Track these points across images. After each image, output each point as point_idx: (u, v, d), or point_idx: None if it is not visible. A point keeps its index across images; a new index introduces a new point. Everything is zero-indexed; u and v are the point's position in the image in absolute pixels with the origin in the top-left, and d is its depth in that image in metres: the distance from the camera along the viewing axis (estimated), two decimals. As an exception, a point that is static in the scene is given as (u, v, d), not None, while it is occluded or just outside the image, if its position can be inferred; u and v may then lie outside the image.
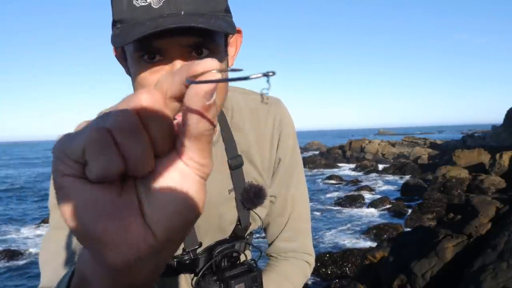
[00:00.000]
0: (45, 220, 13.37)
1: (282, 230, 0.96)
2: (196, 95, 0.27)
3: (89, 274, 0.30)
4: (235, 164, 0.83)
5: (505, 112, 19.81)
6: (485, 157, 15.44)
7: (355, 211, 13.70)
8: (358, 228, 11.30)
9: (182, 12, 0.61)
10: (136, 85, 0.67)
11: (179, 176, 0.29)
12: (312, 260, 0.99)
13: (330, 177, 21.41)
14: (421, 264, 5.46)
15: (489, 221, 5.99)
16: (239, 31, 0.75)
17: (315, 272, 7.67)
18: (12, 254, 10.04)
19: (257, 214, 0.88)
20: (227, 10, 0.68)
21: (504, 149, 14.67)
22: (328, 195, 16.72)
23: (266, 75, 0.28)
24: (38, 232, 12.45)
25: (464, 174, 13.71)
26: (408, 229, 8.88)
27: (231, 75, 0.30)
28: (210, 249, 0.83)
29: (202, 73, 0.27)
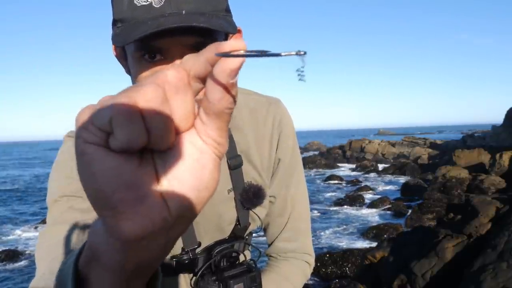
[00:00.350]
0: (44, 221, 13.35)
1: (282, 230, 0.96)
2: (222, 72, 0.28)
3: (99, 248, 0.30)
4: (234, 164, 0.83)
5: (505, 112, 19.81)
6: (485, 157, 15.44)
7: (355, 211, 13.70)
8: (358, 228, 11.30)
9: (183, 12, 0.61)
10: (136, 82, 0.67)
11: (197, 152, 0.29)
12: (312, 260, 0.99)
13: (330, 177, 21.41)
14: (421, 264, 5.46)
15: (489, 221, 6.00)
16: (239, 31, 0.75)
17: (315, 272, 7.67)
18: (12, 255, 10.04)
19: (256, 214, 0.88)
20: (228, 10, 0.68)
21: (504, 149, 14.67)
22: (328, 195, 16.72)
23: (298, 53, 0.28)
24: (37, 233, 12.43)
25: (464, 174, 13.71)
26: (408, 229, 8.88)
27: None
28: (209, 249, 0.83)
29: (230, 52, 0.28)
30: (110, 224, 0.28)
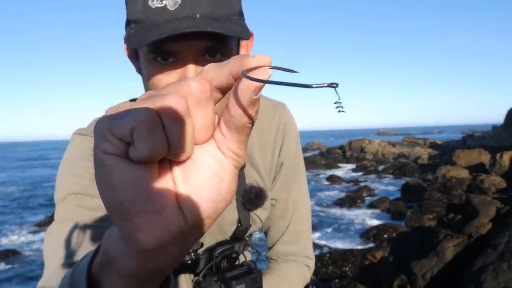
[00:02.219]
0: (45, 222, 13.38)
1: (283, 234, 0.96)
2: (247, 89, 0.28)
3: (114, 254, 0.30)
4: None
5: (505, 112, 19.81)
6: (485, 157, 15.43)
7: (355, 211, 13.70)
8: (358, 228, 11.30)
9: (198, 15, 0.61)
10: (149, 85, 0.67)
11: (216, 164, 0.30)
12: (312, 263, 0.99)
13: (330, 177, 21.40)
14: (421, 264, 5.46)
15: (490, 221, 5.99)
16: (251, 34, 0.75)
17: (315, 272, 7.67)
18: (12, 255, 10.04)
19: (258, 216, 0.88)
20: (241, 14, 0.68)
21: (505, 149, 14.66)
22: (328, 195, 16.71)
23: (331, 86, 0.27)
24: (35, 233, 12.45)
25: (464, 174, 13.71)
26: (408, 229, 8.88)
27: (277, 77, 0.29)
28: (210, 250, 0.83)
29: (255, 68, 0.28)
30: (127, 234, 0.28)
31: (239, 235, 0.87)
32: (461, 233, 5.82)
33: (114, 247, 0.30)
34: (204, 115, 0.29)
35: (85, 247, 0.67)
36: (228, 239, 0.86)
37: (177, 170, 0.30)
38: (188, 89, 0.28)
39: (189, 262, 0.81)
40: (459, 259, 5.33)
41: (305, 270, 0.97)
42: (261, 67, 0.28)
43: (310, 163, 25.74)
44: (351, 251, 7.99)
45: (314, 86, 0.27)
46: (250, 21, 0.72)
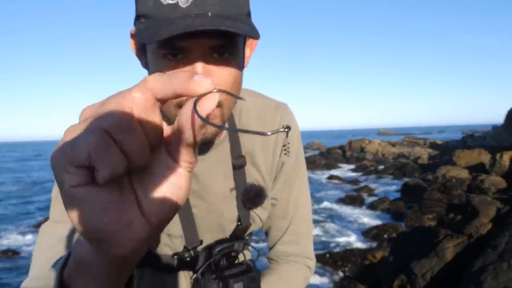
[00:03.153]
0: (41, 223, 13.35)
1: (284, 234, 0.96)
2: (198, 121, 0.30)
3: (88, 258, 0.33)
4: (238, 164, 0.84)
5: (505, 112, 19.80)
6: (486, 157, 15.42)
7: (355, 211, 13.69)
8: (358, 228, 11.29)
9: (209, 14, 0.61)
10: None
11: (170, 172, 0.32)
12: (313, 264, 0.99)
13: (330, 177, 21.40)
14: (421, 264, 5.46)
15: (490, 221, 5.99)
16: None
17: (315, 272, 7.65)
18: (12, 255, 10.03)
19: (258, 215, 0.88)
20: (249, 14, 0.68)
21: (505, 149, 14.65)
22: (328, 195, 16.71)
23: (284, 130, 0.32)
24: (33, 234, 12.45)
25: (464, 174, 13.71)
26: (408, 229, 8.87)
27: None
28: (210, 248, 0.84)
29: (203, 95, 0.29)
30: (102, 249, 0.30)
31: (239, 234, 0.87)
32: (461, 233, 5.82)
33: (87, 255, 0.32)
34: (151, 122, 0.29)
35: (63, 257, 0.67)
36: (228, 237, 0.87)
37: (135, 181, 0.31)
38: (132, 99, 0.28)
39: (188, 259, 0.81)
40: (459, 259, 5.32)
41: (306, 270, 0.97)
42: (209, 93, 0.30)
43: (310, 163, 25.73)
44: (351, 251, 7.98)
45: (269, 134, 0.30)
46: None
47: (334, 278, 7.27)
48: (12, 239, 11.92)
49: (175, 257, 0.81)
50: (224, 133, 0.84)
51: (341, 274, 7.44)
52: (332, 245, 9.80)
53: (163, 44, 0.63)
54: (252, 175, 0.87)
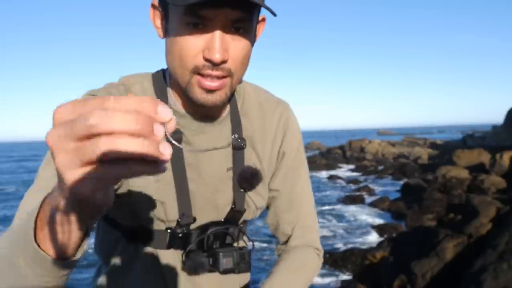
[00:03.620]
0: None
1: (293, 230, 0.96)
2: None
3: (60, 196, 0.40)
4: (238, 145, 0.85)
5: (505, 112, 19.82)
6: (485, 157, 15.43)
7: (355, 211, 13.69)
8: (358, 228, 11.29)
9: None
10: (176, 46, 0.71)
11: None
12: (321, 255, 1.00)
13: (330, 177, 21.40)
14: (421, 264, 5.46)
15: (490, 221, 5.99)
16: (264, 19, 0.79)
17: (315, 272, 7.66)
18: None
19: (253, 201, 0.88)
20: None
21: (505, 149, 14.66)
22: (328, 195, 16.72)
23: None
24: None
25: (464, 174, 13.72)
26: (408, 229, 8.88)
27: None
28: (203, 228, 0.84)
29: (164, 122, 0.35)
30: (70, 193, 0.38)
31: (233, 218, 0.87)
32: (461, 233, 5.82)
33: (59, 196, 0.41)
34: None
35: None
36: (222, 220, 0.87)
37: None
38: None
39: (180, 235, 0.82)
40: (459, 259, 5.33)
41: (316, 256, 0.98)
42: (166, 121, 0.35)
43: (310, 163, 25.40)
44: (351, 251, 7.98)
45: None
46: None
47: (334, 278, 7.28)
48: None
49: (168, 231, 0.82)
50: (227, 112, 0.85)
51: (341, 274, 7.45)
52: (332, 245, 9.80)
53: (189, 12, 0.66)
54: (250, 159, 0.87)
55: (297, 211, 0.96)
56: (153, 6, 0.76)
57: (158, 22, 0.76)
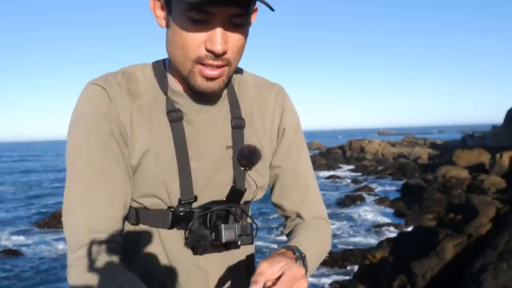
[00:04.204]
0: (44, 222, 13.39)
1: (302, 207, 0.95)
2: None
3: None
4: (238, 124, 0.87)
5: (505, 112, 19.82)
6: (485, 157, 15.43)
7: (355, 211, 13.70)
8: (358, 228, 11.30)
9: None
10: (179, 37, 0.74)
11: None
12: (330, 227, 1.01)
13: (330, 177, 21.41)
14: (421, 264, 5.46)
15: (489, 221, 5.99)
16: (256, 9, 0.82)
17: (315, 271, 7.67)
18: (12, 255, 10.04)
19: (254, 180, 0.89)
20: None
21: (504, 149, 14.67)
22: (328, 195, 16.72)
23: None
24: (36, 234, 12.47)
25: (464, 174, 13.73)
26: (408, 229, 8.88)
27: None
28: (205, 208, 0.85)
29: None
30: None
31: (234, 197, 0.87)
32: (461, 233, 5.83)
33: None
34: None
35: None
36: (224, 199, 0.87)
37: None
38: None
39: (182, 213, 0.83)
40: (459, 259, 5.33)
41: (328, 225, 0.99)
42: None
43: (310, 163, 25.60)
44: (351, 251, 7.99)
45: None
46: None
47: (334, 278, 7.28)
48: (12, 239, 11.93)
49: (170, 210, 0.82)
50: (224, 93, 0.87)
51: (341, 274, 7.45)
52: (332, 245, 9.81)
53: (194, 8, 0.69)
54: (250, 138, 0.88)
55: (304, 187, 0.96)
56: None
57: (159, 12, 0.78)
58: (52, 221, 13.25)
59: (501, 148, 15.22)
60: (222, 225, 0.81)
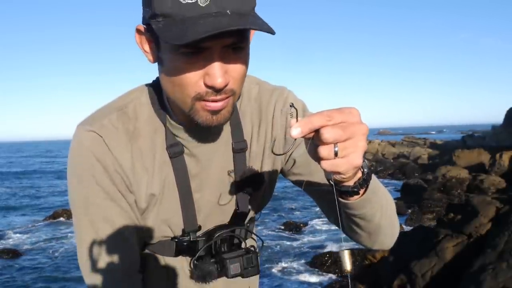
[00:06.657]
0: (38, 222, 13.38)
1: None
2: None
3: None
4: (239, 148, 0.84)
5: (505, 112, 19.81)
6: (485, 157, 15.43)
7: (355, 211, 13.67)
8: (358, 228, 11.28)
9: (228, 11, 0.61)
10: (174, 75, 0.68)
11: None
12: None
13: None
14: (421, 264, 5.46)
15: (489, 221, 5.99)
16: None
17: (315, 271, 7.68)
18: (11, 255, 10.03)
19: (256, 201, 0.88)
20: (254, 8, 0.69)
21: (504, 149, 14.67)
22: (328, 195, 16.69)
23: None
24: (35, 233, 12.46)
25: (464, 174, 13.73)
26: (408, 229, 8.88)
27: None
28: (209, 234, 0.85)
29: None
30: None
31: (238, 219, 0.87)
32: (461, 233, 5.83)
33: None
34: None
35: None
36: (227, 223, 0.87)
37: None
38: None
39: (186, 243, 0.82)
40: (458, 259, 5.33)
41: None
42: None
43: (310, 163, 25.58)
44: (351, 251, 7.96)
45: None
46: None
47: (334, 278, 7.28)
48: (12, 239, 11.92)
49: (174, 240, 0.82)
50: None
51: (341, 274, 7.44)
52: (331, 244, 9.81)
53: (185, 44, 0.62)
54: (252, 160, 0.86)
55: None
56: (138, 31, 0.72)
57: (147, 47, 0.72)
58: (53, 220, 13.28)
59: (501, 148, 15.21)
60: (227, 261, 0.80)
